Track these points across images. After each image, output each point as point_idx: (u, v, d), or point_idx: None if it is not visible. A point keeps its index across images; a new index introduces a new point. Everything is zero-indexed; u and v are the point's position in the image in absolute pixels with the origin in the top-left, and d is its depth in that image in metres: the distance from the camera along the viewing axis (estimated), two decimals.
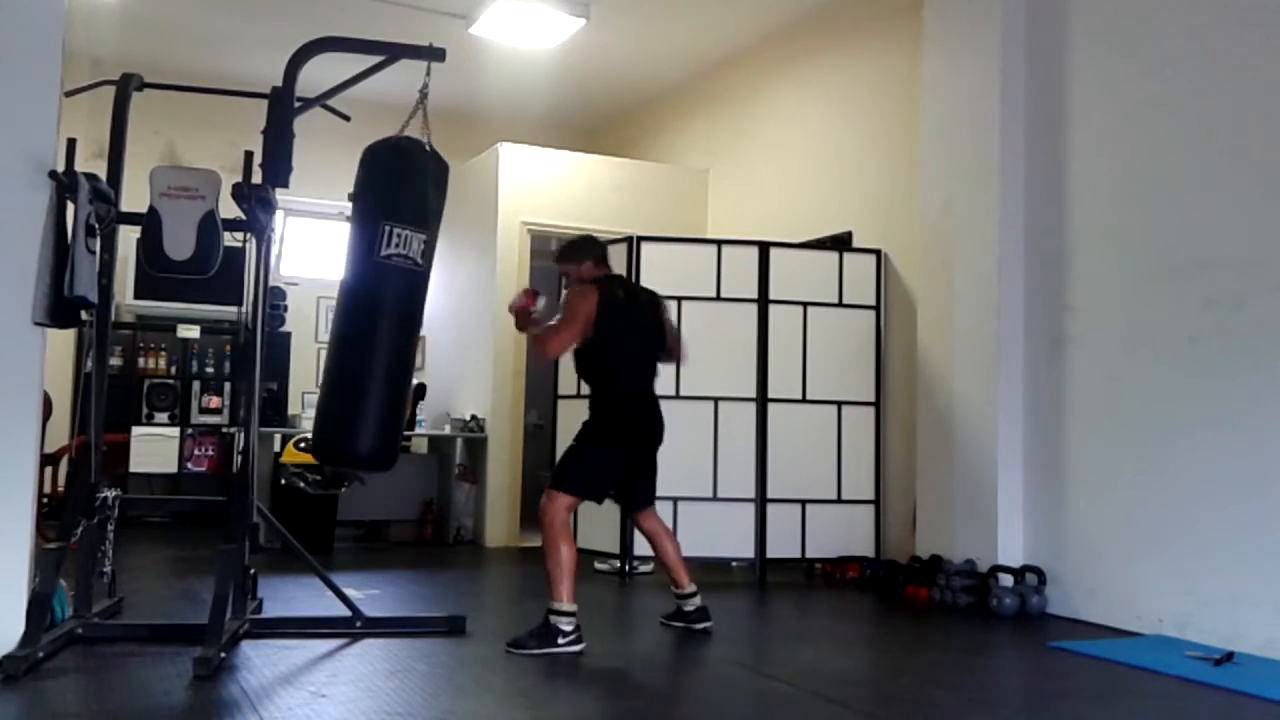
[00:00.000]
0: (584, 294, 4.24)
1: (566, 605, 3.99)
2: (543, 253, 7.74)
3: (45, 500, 6.08)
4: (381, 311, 3.97)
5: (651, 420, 4.40)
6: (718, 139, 8.02)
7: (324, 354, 4.06)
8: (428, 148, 4.05)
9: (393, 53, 4.15)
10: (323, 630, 4.04)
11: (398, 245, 3.91)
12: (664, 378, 5.91)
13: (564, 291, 4.56)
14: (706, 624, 4.40)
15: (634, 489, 4.44)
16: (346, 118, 4.38)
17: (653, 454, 4.47)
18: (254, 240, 4.03)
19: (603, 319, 4.19)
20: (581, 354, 4.32)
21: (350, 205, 4.05)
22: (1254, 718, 3.34)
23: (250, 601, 4.12)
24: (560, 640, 3.94)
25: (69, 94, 3.76)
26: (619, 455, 4.31)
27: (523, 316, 4.31)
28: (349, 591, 4.29)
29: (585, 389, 4.48)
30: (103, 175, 3.82)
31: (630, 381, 4.33)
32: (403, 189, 4.02)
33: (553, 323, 4.27)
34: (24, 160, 3.52)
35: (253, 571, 4.16)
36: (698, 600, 4.42)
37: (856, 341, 6.17)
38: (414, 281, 4.00)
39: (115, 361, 7.42)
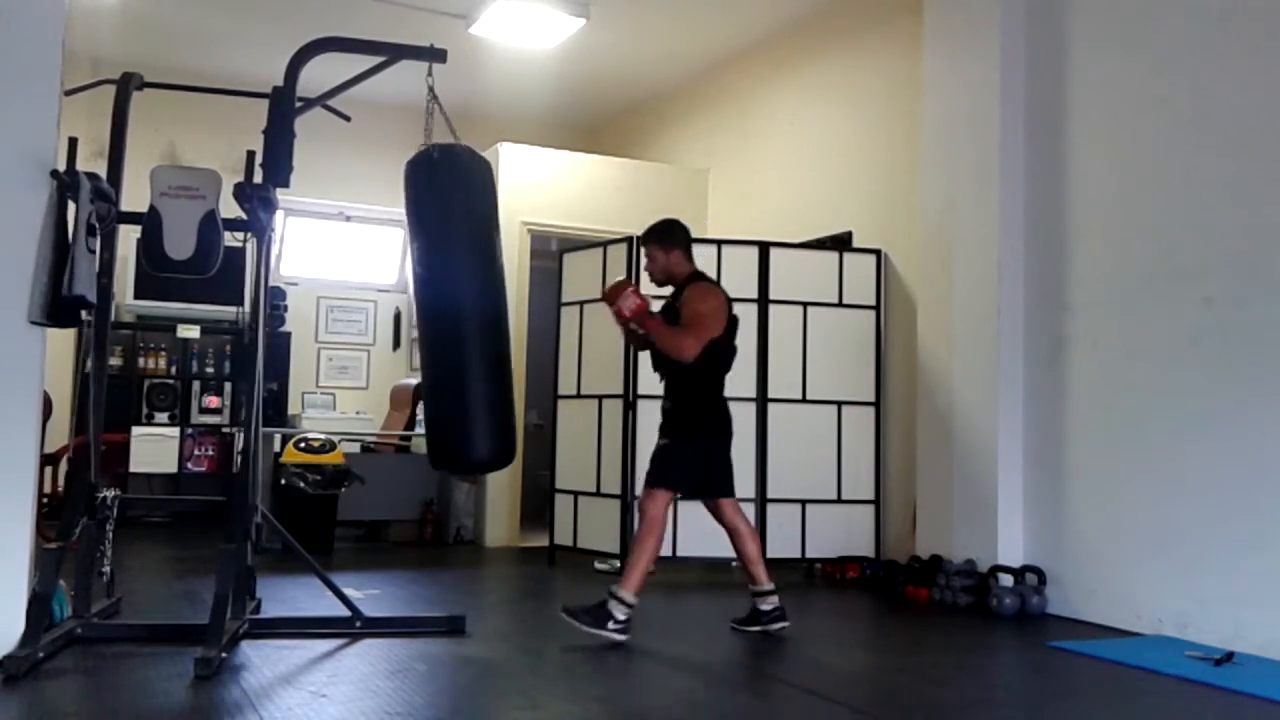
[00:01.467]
0: (712, 293, 4.36)
1: (630, 596, 4.09)
2: (543, 253, 7.76)
3: (45, 500, 6.08)
4: (421, 323, 4.22)
5: (729, 415, 4.54)
6: (718, 139, 8.02)
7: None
8: (434, 154, 4.10)
9: (394, 53, 4.16)
10: (322, 630, 4.04)
11: (415, 260, 4.14)
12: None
13: (640, 273, 4.65)
14: (784, 624, 4.35)
15: (720, 480, 4.49)
16: (347, 118, 4.39)
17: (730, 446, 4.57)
18: (255, 240, 4.03)
19: (726, 321, 4.34)
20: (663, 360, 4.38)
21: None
22: (1254, 718, 3.34)
23: (249, 601, 4.12)
24: (611, 625, 4.04)
25: (69, 93, 3.76)
26: (714, 450, 4.42)
27: (641, 317, 4.26)
28: (349, 591, 4.29)
29: (657, 386, 4.53)
30: (103, 175, 3.82)
31: (721, 380, 4.46)
32: (408, 204, 4.18)
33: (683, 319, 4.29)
34: (24, 160, 3.52)
35: (251, 570, 4.16)
36: (775, 599, 4.37)
37: (856, 341, 6.17)
38: (420, 287, 4.14)
39: (115, 361, 7.43)
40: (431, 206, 4.10)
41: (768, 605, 4.37)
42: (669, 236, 4.48)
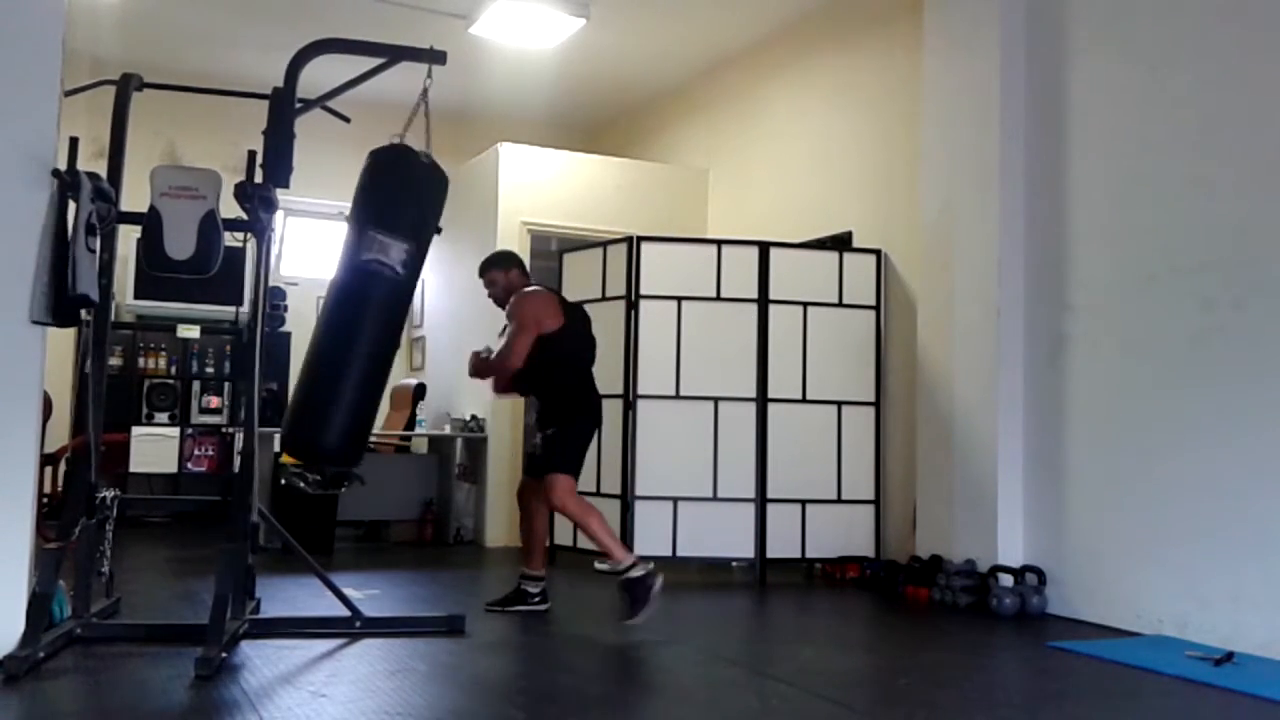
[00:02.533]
0: (528, 299, 4.71)
1: (631, 559, 4.43)
2: (543, 253, 7.75)
3: (45, 500, 6.08)
4: (360, 313, 4.01)
5: (599, 404, 4.89)
6: (718, 139, 8.02)
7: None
8: (425, 159, 4.07)
9: (394, 55, 4.15)
10: (322, 630, 4.04)
11: (379, 251, 3.96)
12: (664, 378, 5.95)
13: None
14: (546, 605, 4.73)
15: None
16: (346, 119, 4.39)
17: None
18: (255, 240, 4.03)
19: (562, 316, 4.69)
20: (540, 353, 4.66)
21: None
22: (1254, 718, 3.34)
23: (249, 601, 4.12)
24: (652, 591, 4.33)
25: (69, 93, 3.75)
26: (589, 431, 4.76)
27: (481, 366, 4.74)
28: (349, 591, 4.29)
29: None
30: (103, 175, 3.82)
31: (582, 370, 4.82)
32: (392, 198, 4.07)
33: (501, 343, 4.71)
34: (25, 160, 3.52)
35: (250, 570, 4.16)
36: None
37: (856, 341, 6.17)
38: (392, 288, 4.02)
39: (115, 361, 7.43)
40: (359, 200, 4.06)
41: (536, 589, 4.75)
42: (504, 260, 4.92)
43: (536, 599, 4.74)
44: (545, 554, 4.90)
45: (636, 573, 4.37)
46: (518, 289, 4.80)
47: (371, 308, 4.02)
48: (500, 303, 4.84)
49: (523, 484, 4.93)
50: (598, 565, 6.10)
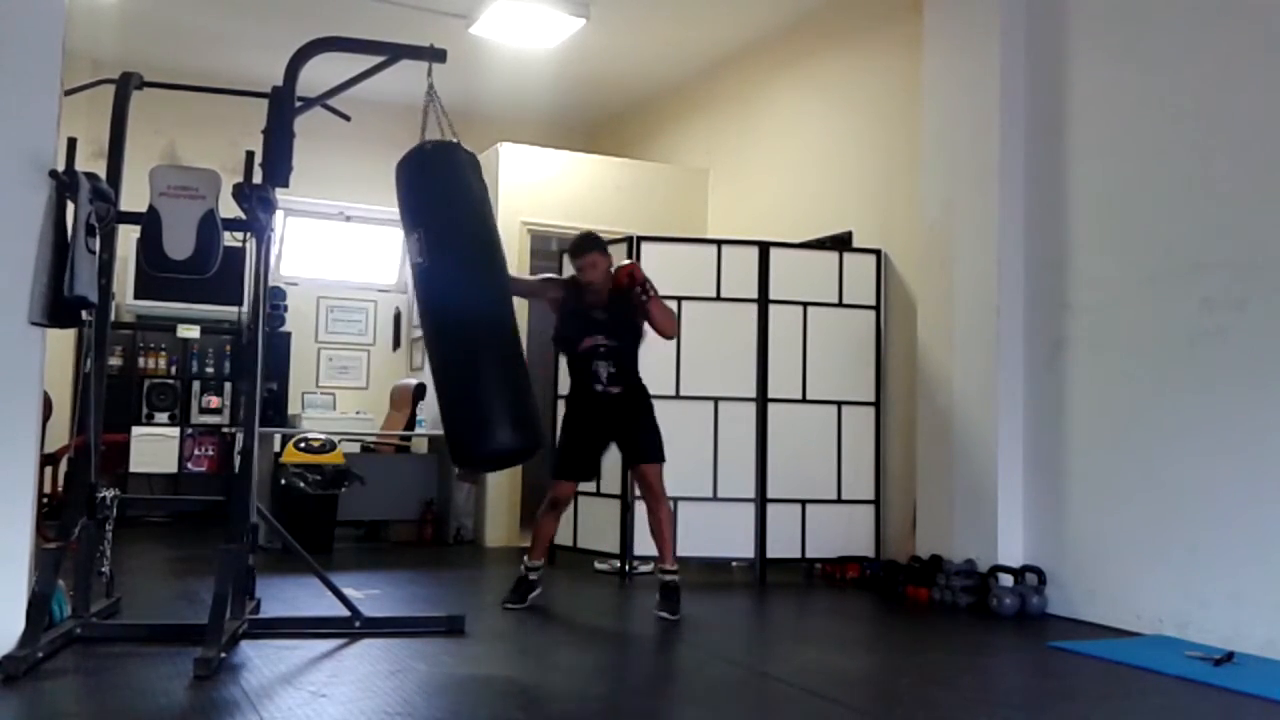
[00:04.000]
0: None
1: (674, 564, 4.73)
2: (543, 253, 7.75)
3: (45, 500, 6.07)
4: (426, 315, 4.20)
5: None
6: (718, 139, 8.02)
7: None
8: (428, 147, 4.10)
9: (394, 53, 4.15)
10: (322, 630, 4.03)
11: (414, 253, 4.10)
12: (663, 378, 5.95)
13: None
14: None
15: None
16: (347, 118, 4.38)
17: None
18: (254, 240, 4.03)
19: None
20: (636, 339, 4.85)
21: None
22: (1254, 718, 3.34)
23: (249, 601, 4.12)
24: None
25: (68, 93, 3.75)
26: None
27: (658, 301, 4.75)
28: (348, 591, 4.29)
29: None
30: (102, 175, 3.82)
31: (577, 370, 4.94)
32: (405, 198, 4.15)
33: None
34: (24, 160, 3.52)
35: (251, 570, 4.16)
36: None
37: (856, 341, 6.17)
38: (424, 279, 4.12)
39: (115, 361, 7.42)
40: (430, 199, 4.10)
41: (538, 576, 4.87)
42: (603, 245, 4.90)
43: (539, 583, 4.86)
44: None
45: (678, 576, 4.70)
46: (608, 282, 4.81)
47: (425, 305, 4.20)
48: (591, 288, 4.81)
49: (565, 487, 4.93)
50: (598, 565, 6.11)
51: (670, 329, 4.83)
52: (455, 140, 4.19)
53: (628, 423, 4.82)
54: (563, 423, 5.00)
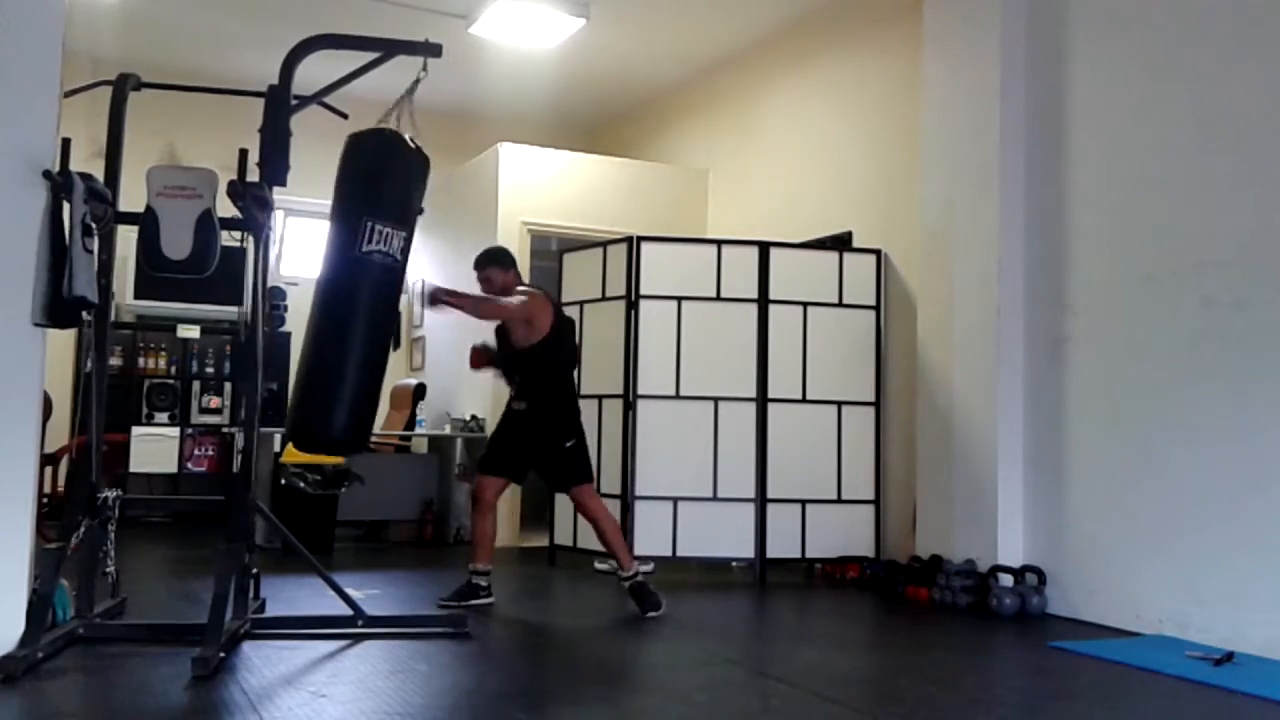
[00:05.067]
0: (535, 298, 4.84)
1: (635, 565, 4.80)
2: (543, 253, 7.76)
3: (45, 500, 6.08)
4: (360, 305, 4.01)
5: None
6: (718, 139, 8.02)
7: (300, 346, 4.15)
8: (412, 143, 4.08)
9: (389, 49, 4.15)
10: (325, 630, 4.03)
11: (379, 242, 3.96)
12: (664, 378, 5.95)
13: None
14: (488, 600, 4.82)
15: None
16: (344, 115, 4.37)
17: None
18: (252, 240, 4.02)
19: (550, 319, 4.84)
20: (528, 352, 4.83)
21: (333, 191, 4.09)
22: (1254, 718, 3.34)
23: (253, 601, 4.11)
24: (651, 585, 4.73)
25: (67, 94, 3.75)
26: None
27: (452, 297, 4.71)
28: (350, 591, 4.29)
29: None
30: (100, 176, 3.81)
31: (571, 376, 5.01)
32: (386, 184, 4.06)
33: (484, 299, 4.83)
34: (24, 160, 3.51)
35: (255, 571, 4.16)
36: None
37: (856, 341, 6.17)
38: (392, 278, 4.06)
39: (115, 361, 7.43)
40: (346, 189, 4.06)
41: (485, 582, 4.83)
42: (505, 259, 4.98)
43: (484, 592, 4.81)
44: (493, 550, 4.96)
45: (640, 576, 4.75)
46: (512, 291, 4.88)
47: (374, 297, 4.03)
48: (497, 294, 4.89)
49: (486, 482, 4.89)
50: (598, 565, 6.11)
51: (487, 312, 4.82)
52: (408, 135, 4.13)
53: (538, 448, 4.83)
54: (583, 433, 4.97)
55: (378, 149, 4.06)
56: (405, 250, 4.06)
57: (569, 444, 4.83)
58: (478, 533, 4.86)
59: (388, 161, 4.06)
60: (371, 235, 3.94)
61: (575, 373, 5.08)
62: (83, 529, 3.81)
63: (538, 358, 4.83)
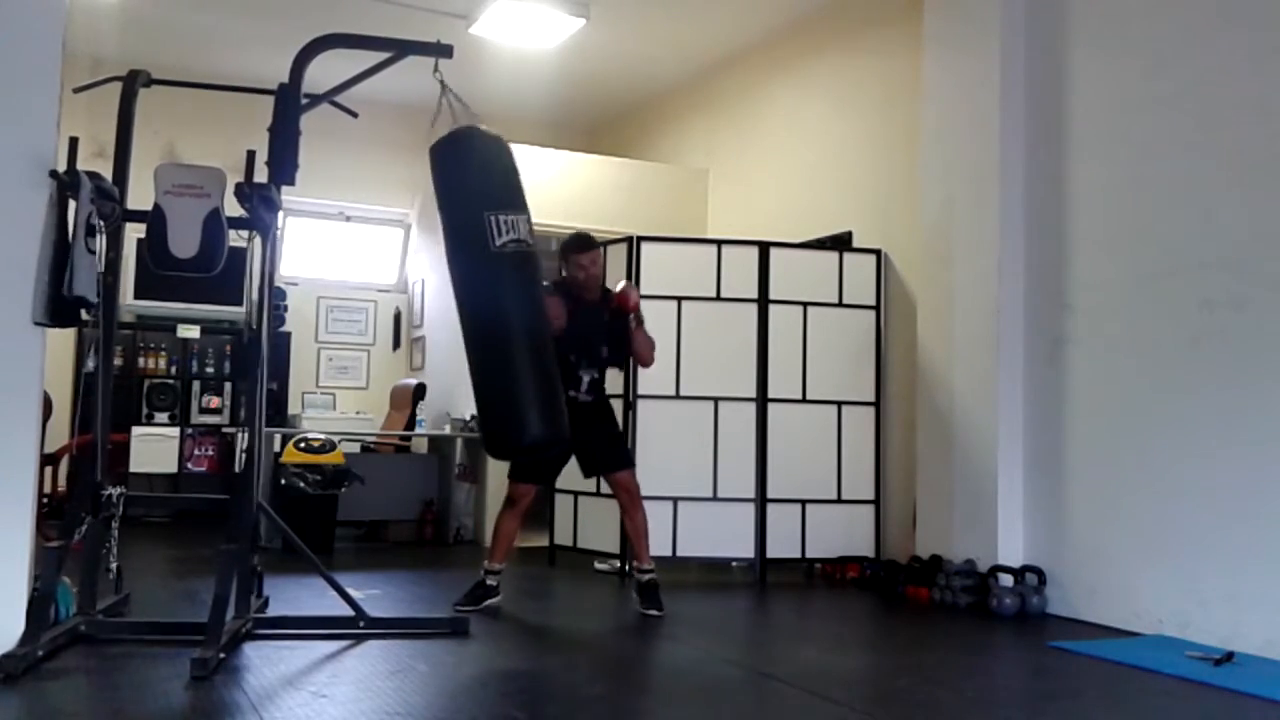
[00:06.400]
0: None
1: (651, 563, 4.80)
2: (543, 253, 7.74)
3: (45, 500, 6.08)
4: (509, 302, 4.11)
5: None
6: (718, 139, 8.03)
7: (466, 356, 4.24)
8: (490, 132, 4.18)
9: (400, 49, 4.15)
10: (327, 630, 4.03)
11: (509, 232, 4.07)
12: (664, 378, 5.95)
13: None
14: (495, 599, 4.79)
15: None
16: (354, 114, 4.37)
17: None
18: (259, 239, 4.01)
19: None
20: (625, 359, 5.10)
21: (438, 205, 4.20)
22: (1254, 718, 3.34)
23: (255, 601, 4.11)
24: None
25: (77, 90, 3.74)
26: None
27: (643, 335, 4.89)
28: (350, 591, 4.29)
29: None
30: (106, 174, 3.81)
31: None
32: (489, 176, 4.17)
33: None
34: (25, 160, 3.51)
35: (259, 570, 4.16)
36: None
37: (856, 341, 6.17)
38: (528, 261, 4.17)
39: (115, 361, 7.40)
40: (458, 193, 4.14)
41: (496, 581, 4.80)
42: (595, 245, 4.96)
43: (495, 591, 4.79)
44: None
45: (655, 575, 4.77)
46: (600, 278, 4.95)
47: (519, 288, 4.15)
48: (587, 284, 4.87)
49: (524, 489, 4.82)
50: (598, 565, 6.11)
51: (651, 359, 4.96)
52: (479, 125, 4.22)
53: (596, 433, 4.82)
54: None
55: (464, 148, 4.15)
56: (531, 230, 4.16)
57: (614, 430, 5.02)
58: (500, 531, 4.81)
59: (478, 155, 4.16)
60: (500, 228, 4.03)
61: None
62: (85, 526, 3.81)
63: (622, 364, 5.08)
